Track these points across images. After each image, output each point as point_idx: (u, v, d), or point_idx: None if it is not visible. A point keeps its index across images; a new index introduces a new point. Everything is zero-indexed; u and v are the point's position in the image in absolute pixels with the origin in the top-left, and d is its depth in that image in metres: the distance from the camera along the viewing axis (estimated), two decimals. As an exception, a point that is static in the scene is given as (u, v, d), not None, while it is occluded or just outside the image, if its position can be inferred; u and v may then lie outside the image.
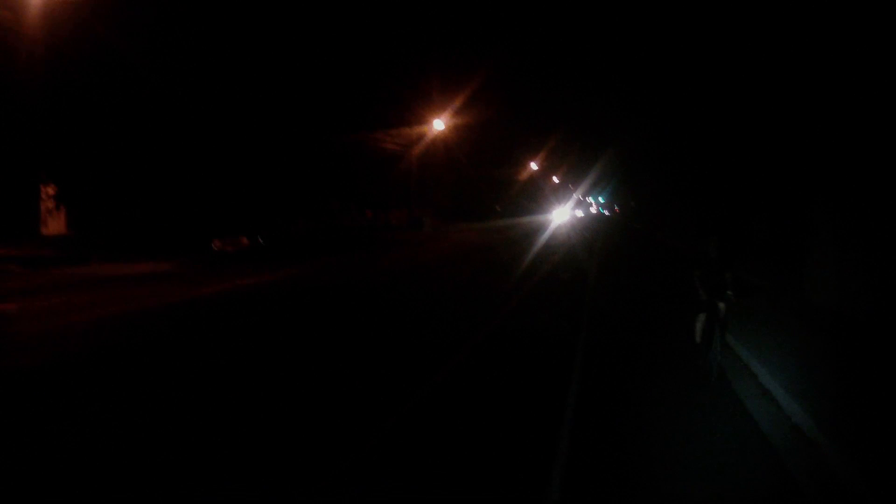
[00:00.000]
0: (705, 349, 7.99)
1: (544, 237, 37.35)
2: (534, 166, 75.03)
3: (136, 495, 4.59)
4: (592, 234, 43.18)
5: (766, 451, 5.57)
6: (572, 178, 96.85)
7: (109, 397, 6.80)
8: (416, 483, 4.83)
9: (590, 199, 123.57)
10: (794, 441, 5.80)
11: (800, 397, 6.45)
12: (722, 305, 7.81)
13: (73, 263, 19.96)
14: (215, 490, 4.67)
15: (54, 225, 29.06)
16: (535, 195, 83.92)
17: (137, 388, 7.18)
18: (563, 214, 75.25)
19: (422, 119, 45.29)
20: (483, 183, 62.63)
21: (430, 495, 4.68)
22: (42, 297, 13.38)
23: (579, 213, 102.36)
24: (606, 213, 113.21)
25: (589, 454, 5.40)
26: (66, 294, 13.71)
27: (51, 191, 28.52)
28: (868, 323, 10.26)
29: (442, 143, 49.89)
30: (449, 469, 5.08)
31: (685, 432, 5.98)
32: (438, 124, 45.85)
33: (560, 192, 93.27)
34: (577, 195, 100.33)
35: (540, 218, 66.45)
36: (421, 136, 45.97)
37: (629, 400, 6.99)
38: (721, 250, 7.93)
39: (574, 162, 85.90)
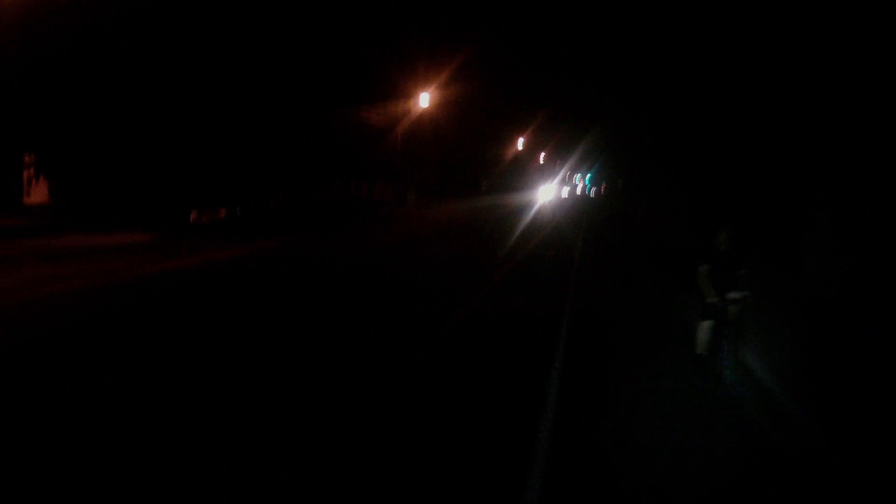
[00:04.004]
0: (710, 362, 6.97)
1: (529, 216, 37.11)
2: (520, 144, 74.67)
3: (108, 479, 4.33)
4: (578, 214, 43.03)
5: (767, 456, 5.35)
6: (559, 155, 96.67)
7: (67, 379, 6.49)
8: (383, 480, 4.59)
9: (576, 178, 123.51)
10: (793, 440, 5.63)
11: (799, 394, 6.29)
12: (733, 309, 6.79)
13: (48, 234, 19.53)
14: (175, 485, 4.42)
15: (37, 194, 28.51)
16: (520, 173, 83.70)
17: (98, 367, 6.85)
18: (548, 192, 75.22)
19: (408, 94, 44.75)
20: (468, 160, 62.33)
21: (399, 494, 4.44)
22: (8, 269, 12.98)
23: (564, 193, 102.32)
24: (592, 194, 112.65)
25: (569, 454, 5.16)
26: (35, 266, 13.31)
27: (30, 160, 27.97)
28: (869, 315, 10.11)
29: (428, 119, 49.42)
30: (415, 468, 4.83)
31: (670, 424, 5.80)
32: (424, 99, 45.33)
33: (546, 170, 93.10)
34: (563, 173, 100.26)
35: (525, 196, 66.24)
36: (406, 112, 45.47)
37: (615, 395, 6.78)
38: (733, 242, 6.88)
39: (561, 139, 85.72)
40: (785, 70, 14.97)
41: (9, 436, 5.05)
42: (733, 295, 6.79)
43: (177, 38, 26.89)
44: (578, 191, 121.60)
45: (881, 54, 10.52)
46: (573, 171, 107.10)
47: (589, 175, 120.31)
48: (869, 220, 10.65)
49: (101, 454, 4.78)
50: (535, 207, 47.22)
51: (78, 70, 25.29)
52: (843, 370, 7.49)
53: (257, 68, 31.63)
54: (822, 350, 8.27)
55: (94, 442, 4.98)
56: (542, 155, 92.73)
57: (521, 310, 10.68)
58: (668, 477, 4.78)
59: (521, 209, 43.88)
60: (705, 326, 6.99)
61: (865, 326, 9.46)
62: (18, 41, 23.46)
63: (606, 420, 5.91)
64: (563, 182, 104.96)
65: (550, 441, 5.24)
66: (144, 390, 6.17)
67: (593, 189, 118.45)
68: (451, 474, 4.68)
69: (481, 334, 9.06)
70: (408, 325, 9.31)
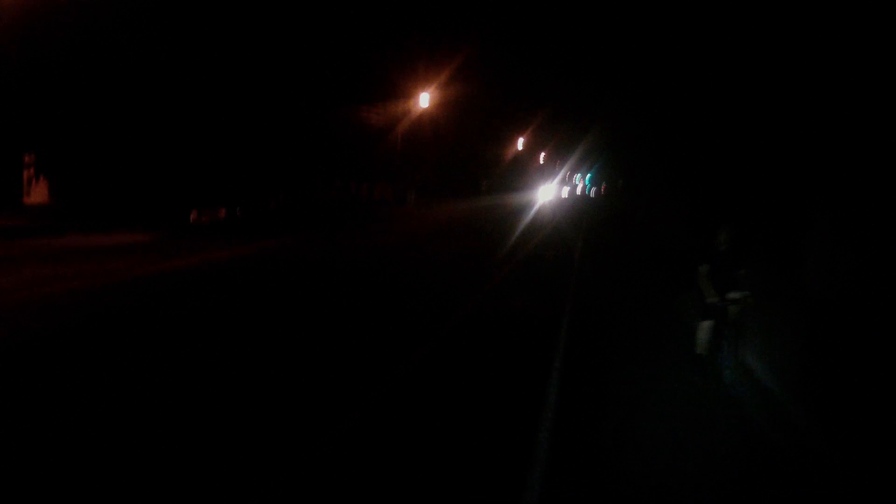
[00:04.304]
0: (710, 362, 6.93)
1: (529, 216, 37.07)
2: (520, 144, 74.64)
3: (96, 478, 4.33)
4: (578, 215, 43.02)
5: (767, 456, 5.33)
6: (559, 155, 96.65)
7: (67, 379, 6.48)
8: (384, 480, 4.59)
9: (576, 178, 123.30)
10: (793, 440, 5.61)
11: (799, 394, 6.28)
12: (733, 309, 6.72)
13: (48, 234, 19.52)
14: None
15: (37, 194, 28.49)
16: (520, 173, 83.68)
17: (98, 367, 6.83)
18: (548, 192, 75.21)
19: (408, 94, 44.75)
20: (468, 160, 62.30)
21: (400, 494, 4.43)
22: (8, 269, 12.96)
23: (564, 194, 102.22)
24: (592, 194, 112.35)
25: (569, 454, 5.13)
26: (35, 266, 13.30)
27: (30, 160, 27.95)
28: (869, 315, 10.09)
29: (428, 119, 49.41)
30: (410, 471, 4.82)
31: (670, 424, 5.79)
32: (424, 99, 45.32)
33: (546, 170, 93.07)
34: (563, 173, 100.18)
35: (525, 196, 66.21)
36: (406, 112, 45.46)
37: (615, 395, 6.76)
38: (733, 242, 6.83)
39: (561, 139, 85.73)
40: (785, 70, 14.98)
41: (9, 436, 5.04)
42: (733, 295, 6.75)
43: (176, 39, 26.86)
44: (578, 191, 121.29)
45: (880, 55, 10.54)
46: (573, 171, 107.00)
47: (589, 175, 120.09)
48: (869, 220, 10.65)
49: (102, 454, 4.77)
50: (535, 207, 47.20)
51: (78, 70, 25.26)
52: (843, 370, 7.47)
53: (257, 68, 31.60)
54: (822, 350, 8.25)
55: (94, 442, 4.97)
56: (542, 155, 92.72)
57: (521, 310, 10.66)
58: (668, 477, 4.78)
59: (521, 209, 43.86)
60: (705, 326, 6.94)
61: (865, 326, 9.45)
62: (18, 41, 23.45)
63: (606, 420, 5.89)
64: (563, 182, 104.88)
65: (550, 441, 5.23)
66: (144, 390, 6.16)
67: (593, 189, 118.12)
68: (452, 474, 4.67)
69: (481, 334, 9.03)
70: (408, 325, 9.29)
